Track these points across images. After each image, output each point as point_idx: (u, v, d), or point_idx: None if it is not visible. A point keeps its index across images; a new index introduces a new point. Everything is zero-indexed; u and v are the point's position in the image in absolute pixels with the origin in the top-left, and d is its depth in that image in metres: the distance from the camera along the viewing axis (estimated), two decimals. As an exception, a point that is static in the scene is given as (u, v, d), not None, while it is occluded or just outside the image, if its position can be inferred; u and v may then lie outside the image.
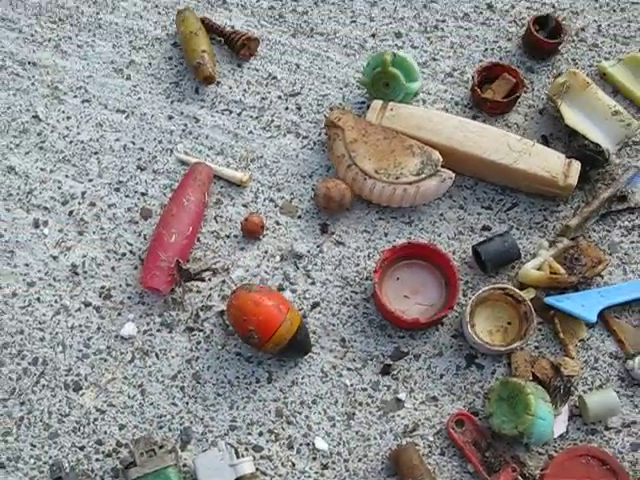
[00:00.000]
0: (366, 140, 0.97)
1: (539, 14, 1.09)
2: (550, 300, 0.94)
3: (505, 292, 0.92)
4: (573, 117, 1.00)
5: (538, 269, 0.94)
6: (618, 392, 0.90)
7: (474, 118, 1.05)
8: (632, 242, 0.99)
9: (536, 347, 0.93)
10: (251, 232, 0.98)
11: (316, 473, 0.86)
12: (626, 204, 1.00)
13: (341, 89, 1.07)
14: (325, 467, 0.86)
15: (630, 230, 1.00)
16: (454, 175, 0.98)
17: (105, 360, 0.91)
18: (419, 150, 0.97)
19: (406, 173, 0.96)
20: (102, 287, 0.95)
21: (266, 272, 0.97)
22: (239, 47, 1.09)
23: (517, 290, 0.91)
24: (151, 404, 0.89)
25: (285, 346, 0.88)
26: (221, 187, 1.02)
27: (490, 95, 1.05)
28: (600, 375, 0.92)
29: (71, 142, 1.05)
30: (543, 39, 1.07)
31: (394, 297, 0.94)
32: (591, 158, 0.99)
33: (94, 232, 0.99)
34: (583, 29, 1.14)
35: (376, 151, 0.97)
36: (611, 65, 1.09)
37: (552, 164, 0.96)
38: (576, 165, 0.97)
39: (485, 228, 0.99)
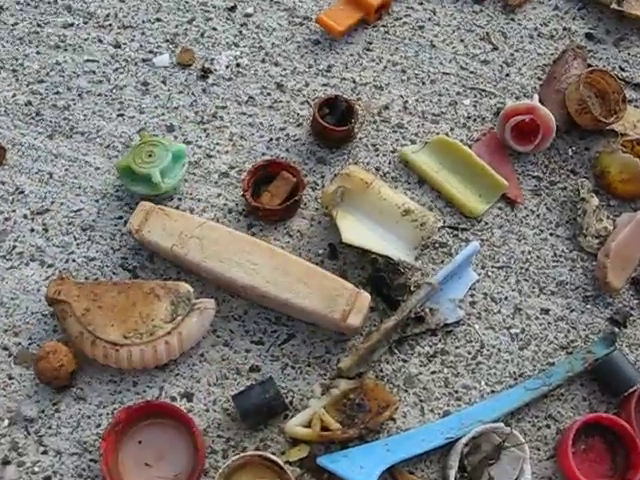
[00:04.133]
0: (100, 304, 0.79)
1: (326, 96, 0.94)
2: (323, 461, 0.77)
3: (263, 458, 0.77)
4: (355, 228, 0.84)
5: (308, 424, 0.79)
6: None
7: (250, 227, 0.89)
8: (433, 372, 0.83)
9: (311, 516, 0.78)
10: (-30, 395, 0.83)
11: None
12: (425, 325, 0.85)
13: (97, 201, 0.91)
14: None
15: (431, 357, 0.84)
16: (214, 302, 0.83)
17: None
18: (163, 291, 0.81)
19: (159, 323, 0.79)
20: None
21: (-8, 441, 0.81)
22: (-22, 158, 0.94)
23: (274, 457, 0.74)
24: None
25: None
26: (-52, 334, 0.87)
27: (267, 199, 0.89)
28: None
29: None
30: (329, 126, 0.92)
31: (134, 466, 0.77)
32: (382, 279, 0.84)
33: None
34: (387, 107, 0.98)
35: (116, 312, 0.79)
36: (414, 150, 0.93)
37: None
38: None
39: (254, 369, 0.82)
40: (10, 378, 0.82)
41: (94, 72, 1.00)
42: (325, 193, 0.84)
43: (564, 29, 1.07)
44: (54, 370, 0.79)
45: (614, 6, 1.05)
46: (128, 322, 0.80)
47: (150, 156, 0.89)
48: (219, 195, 0.91)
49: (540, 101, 0.96)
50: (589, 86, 0.98)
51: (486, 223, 0.91)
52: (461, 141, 0.95)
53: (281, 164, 0.89)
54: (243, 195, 0.87)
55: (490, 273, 0.88)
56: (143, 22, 1.05)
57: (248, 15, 1.05)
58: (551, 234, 0.91)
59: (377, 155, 0.94)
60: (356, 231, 0.83)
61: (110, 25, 1.04)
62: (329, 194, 0.83)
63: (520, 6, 1.07)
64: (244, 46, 1.02)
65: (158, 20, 1.05)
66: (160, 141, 0.90)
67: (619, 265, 0.88)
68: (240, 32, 1.03)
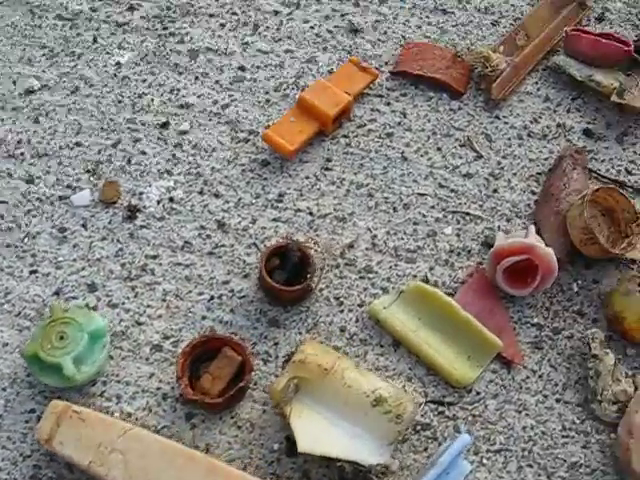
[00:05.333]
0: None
1: (275, 243, 0.79)
2: None
3: None
4: (314, 428, 0.67)
5: None
6: None
7: (189, 418, 0.73)
8: None
9: None
10: None
11: None
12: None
13: (4, 390, 0.72)
14: None
15: None
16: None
17: None
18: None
19: None
20: None
21: None
22: None
23: None
24: None
25: None
26: None
27: (208, 382, 0.72)
28: None
29: None
30: (279, 287, 0.76)
31: None
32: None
33: None
34: (352, 245, 0.82)
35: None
36: (386, 305, 0.77)
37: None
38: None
39: None
40: None
41: (2, 217, 0.85)
42: (274, 390, 0.67)
43: (558, 125, 0.90)
44: None
45: (615, 99, 0.88)
46: None
47: (62, 338, 0.72)
48: (151, 375, 0.75)
49: (536, 224, 0.82)
50: (593, 204, 0.82)
51: (478, 393, 0.74)
52: (443, 284, 0.79)
53: (222, 339, 0.73)
54: (178, 383, 0.73)
55: (485, 460, 0.71)
56: (60, 148, 0.88)
57: (183, 132, 0.88)
58: (558, 400, 0.74)
59: (342, 311, 0.77)
60: (316, 432, 0.67)
61: (22, 154, 0.89)
62: (279, 391, 0.68)
63: (505, 99, 0.91)
64: (179, 173, 0.86)
65: (78, 145, 0.88)
66: (73, 318, 0.73)
67: (646, 443, 0.73)
68: (174, 155, 0.87)
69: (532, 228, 0.78)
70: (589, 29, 0.95)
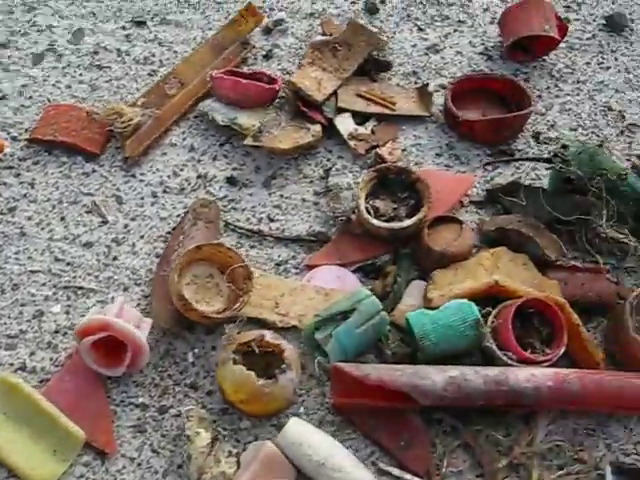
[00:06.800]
0: None
1: None
2: None
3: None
4: None
5: None
6: None
7: None
8: None
9: None
10: None
11: None
12: None
13: None
14: None
15: None
16: None
17: None
18: None
19: None
20: None
21: None
22: None
23: None
24: None
25: None
26: None
27: None
28: None
29: None
30: None
31: None
32: None
33: None
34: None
35: None
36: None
37: None
38: None
39: None
40: None
41: None
42: None
43: (199, 176, 0.84)
44: None
45: (249, 142, 0.82)
46: None
47: None
48: None
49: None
50: (209, 262, 0.76)
51: (64, 491, 0.69)
52: (42, 369, 0.71)
53: None
54: None
55: None
56: None
57: None
58: (154, 490, 0.69)
59: None
60: None
61: None
62: None
63: (145, 154, 0.83)
64: None
65: None
66: None
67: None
68: None
69: (118, 300, 0.70)
70: (242, 70, 0.88)
